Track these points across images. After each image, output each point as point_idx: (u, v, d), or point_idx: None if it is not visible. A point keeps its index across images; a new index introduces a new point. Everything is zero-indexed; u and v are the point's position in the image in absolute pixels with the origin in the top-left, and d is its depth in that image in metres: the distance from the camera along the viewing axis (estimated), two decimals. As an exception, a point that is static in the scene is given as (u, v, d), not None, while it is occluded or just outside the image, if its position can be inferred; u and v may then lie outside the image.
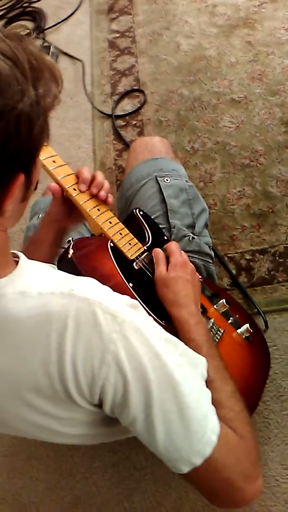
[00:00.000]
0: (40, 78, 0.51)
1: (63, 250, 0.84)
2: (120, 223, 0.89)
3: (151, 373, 0.56)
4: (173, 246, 0.88)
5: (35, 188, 0.59)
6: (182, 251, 0.89)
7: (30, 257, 0.88)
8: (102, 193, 0.86)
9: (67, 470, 1.16)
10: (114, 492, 1.12)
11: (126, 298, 0.60)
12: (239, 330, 0.96)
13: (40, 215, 1.21)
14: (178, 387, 0.57)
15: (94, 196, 0.87)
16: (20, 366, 0.55)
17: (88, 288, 0.58)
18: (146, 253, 0.90)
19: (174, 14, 1.93)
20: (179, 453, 0.58)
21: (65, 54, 1.95)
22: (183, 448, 0.58)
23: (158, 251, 0.87)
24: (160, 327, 0.62)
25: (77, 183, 0.86)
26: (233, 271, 1.31)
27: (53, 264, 0.92)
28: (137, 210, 0.97)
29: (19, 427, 0.63)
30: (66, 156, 1.67)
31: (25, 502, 1.14)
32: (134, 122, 1.67)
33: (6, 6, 2.17)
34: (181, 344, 0.64)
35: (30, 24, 2.10)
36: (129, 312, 0.57)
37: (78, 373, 0.54)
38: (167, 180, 1.07)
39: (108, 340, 0.54)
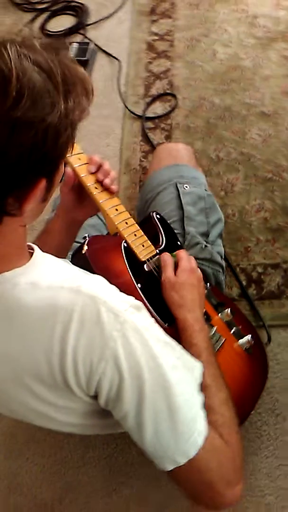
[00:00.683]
0: (71, 91, 0.53)
1: (78, 245, 0.88)
2: (136, 224, 0.92)
3: (146, 373, 0.59)
4: (182, 252, 0.91)
5: (61, 180, 0.62)
6: (191, 258, 0.92)
7: (42, 244, 0.92)
8: (107, 181, 0.88)
9: (61, 457, 1.20)
10: (104, 483, 1.15)
11: (131, 299, 0.63)
12: (240, 341, 0.98)
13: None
14: (170, 389, 0.60)
15: (106, 189, 0.89)
16: (25, 353, 0.59)
17: (95, 286, 0.61)
18: (157, 256, 0.92)
19: (214, 22, 1.95)
20: (165, 451, 0.61)
21: (104, 51, 1.98)
22: (169, 447, 0.61)
23: (167, 256, 0.90)
24: (161, 330, 0.65)
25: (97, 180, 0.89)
26: (244, 282, 1.33)
27: (65, 253, 0.96)
28: (154, 213, 1.00)
29: (19, 411, 0.67)
30: (94, 152, 1.68)
31: (19, 482, 1.19)
32: (163, 126, 1.70)
33: (50, -1, 2.22)
34: (179, 347, 0.66)
35: (72, 19, 2.14)
36: (131, 313, 0.60)
37: (77, 365, 0.58)
38: (186, 187, 1.10)
39: (109, 337, 0.57)
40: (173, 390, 0.60)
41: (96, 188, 0.88)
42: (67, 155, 0.87)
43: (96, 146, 1.72)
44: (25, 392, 0.62)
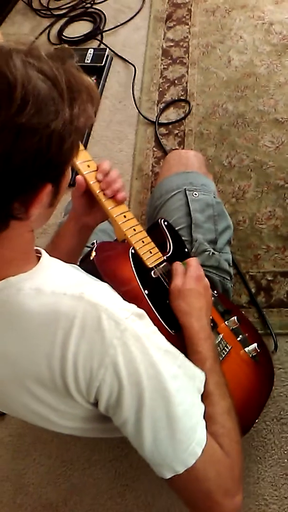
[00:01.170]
0: (76, 99, 0.54)
1: (88, 249, 0.89)
2: (144, 231, 0.93)
3: (145, 381, 0.59)
4: (193, 261, 0.92)
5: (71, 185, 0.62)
6: (200, 267, 0.92)
7: (54, 247, 0.93)
8: (108, 192, 0.89)
9: (67, 459, 1.21)
10: (109, 486, 1.16)
11: (133, 307, 0.64)
12: (246, 349, 0.99)
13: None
14: (170, 397, 0.61)
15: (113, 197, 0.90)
16: (26, 356, 0.60)
17: (98, 293, 0.62)
18: (165, 263, 0.93)
19: (230, 29, 1.95)
20: (163, 459, 0.62)
21: (120, 57, 2.00)
22: (168, 455, 0.61)
23: (178, 264, 0.91)
24: (163, 338, 0.66)
25: (104, 189, 0.90)
26: (253, 290, 1.33)
27: (77, 256, 0.97)
28: (162, 220, 1.01)
29: (20, 412, 0.68)
30: (107, 158, 1.72)
31: (25, 483, 1.20)
32: (176, 132, 1.71)
33: (69, 5, 2.24)
34: (181, 356, 0.67)
35: (89, 25, 2.17)
36: (133, 321, 0.61)
37: (78, 371, 0.59)
38: (195, 194, 1.10)
39: (109, 344, 0.58)
40: (172, 399, 0.61)
41: (104, 195, 0.89)
42: (77, 162, 0.89)
43: (110, 152, 1.74)
44: (27, 394, 0.63)
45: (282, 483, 1.08)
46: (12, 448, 1.26)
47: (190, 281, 0.87)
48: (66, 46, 2.04)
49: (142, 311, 0.65)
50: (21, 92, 0.49)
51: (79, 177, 0.90)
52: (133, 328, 0.60)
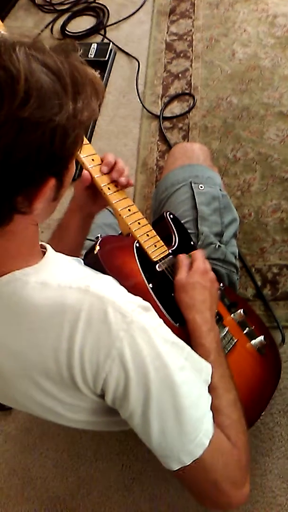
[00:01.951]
0: (80, 93, 0.54)
1: (91, 243, 0.89)
2: (149, 224, 0.93)
3: (152, 373, 0.59)
4: (198, 253, 0.91)
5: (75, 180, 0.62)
6: (205, 260, 0.92)
7: (58, 240, 0.93)
8: (122, 179, 0.90)
9: (74, 452, 1.22)
10: (116, 479, 1.17)
11: (139, 299, 0.64)
12: (253, 342, 0.98)
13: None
14: (176, 389, 0.61)
15: (117, 186, 0.90)
16: (33, 350, 0.60)
17: (104, 286, 0.63)
18: (170, 256, 0.93)
19: (234, 22, 1.94)
20: (171, 451, 0.62)
21: (123, 51, 1.99)
22: (175, 446, 0.62)
23: (183, 257, 0.91)
24: (169, 331, 0.66)
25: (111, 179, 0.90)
26: (259, 283, 1.33)
27: (80, 249, 0.97)
28: (168, 213, 1.01)
29: (27, 405, 0.68)
30: (111, 152, 1.71)
31: (32, 476, 1.21)
32: (181, 125, 1.70)
33: (72, 0, 2.24)
34: (187, 348, 0.67)
35: (92, 20, 2.16)
36: (139, 313, 0.61)
37: (84, 363, 0.59)
38: (201, 187, 1.10)
39: (116, 337, 0.58)
40: (179, 390, 0.61)
41: (109, 189, 0.89)
42: (82, 156, 0.89)
43: (114, 146, 1.74)
44: (34, 387, 0.63)
45: (290, 476, 1.08)
46: (19, 442, 1.26)
47: (195, 275, 0.87)
48: (70, 40, 2.04)
49: (148, 304, 0.65)
50: (24, 85, 0.49)
51: (84, 171, 0.90)
52: (140, 321, 0.60)
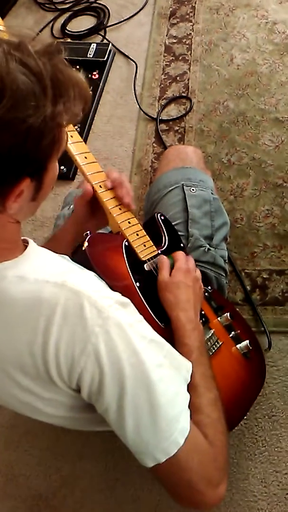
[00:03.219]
0: (62, 95, 0.54)
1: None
2: (139, 224, 0.93)
3: (127, 369, 0.60)
4: (179, 254, 0.92)
5: (73, 179, 0.61)
6: (189, 259, 0.92)
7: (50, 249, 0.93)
8: (127, 199, 0.91)
9: (58, 451, 1.22)
10: (99, 479, 1.16)
11: (117, 295, 0.64)
12: (238, 345, 0.99)
13: (71, 206, 1.27)
14: (152, 386, 0.61)
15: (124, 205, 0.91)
16: (9, 344, 0.61)
17: (81, 281, 0.63)
18: (158, 256, 0.93)
19: (234, 27, 1.95)
20: (145, 447, 0.62)
21: (122, 53, 2.00)
22: (149, 443, 0.62)
23: (163, 257, 0.91)
24: (149, 327, 0.66)
25: (104, 180, 0.90)
26: (248, 287, 1.33)
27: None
28: (159, 214, 1.01)
29: (9, 401, 0.68)
30: (107, 152, 1.73)
31: (15, 473, 1.21)
32: (177, 128, 1.71)
33: (73, -1, 2.24)
34: (167, 346, 0.67)
35: (93, 20, 2.16)
36: (116, 309, 0.61)
37: (59, 357, 0.59)
38: (193, 190, 1.10)
39: (91, 332, 0.59)
40: (155, 388, 0.61)
41: (100, 187, 0.89)
42: (81, 164, 0.89)
43: (110, 147, 1.74)
44: (12, 383, 0.63)
45: (272, 480, 1.08)
46: (3, 439, 1.26)
47: (178, 274, 0.87)
48: (57, 41, 2.03)
49: (126, 300, 0.65)
50: None
51: (88, 185, 0.90)
52: (116, 317, 0.60)
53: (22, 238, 0.68)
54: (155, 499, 1.11)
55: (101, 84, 1.89)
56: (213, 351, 0.93)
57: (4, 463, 1.22)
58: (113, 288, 0.73)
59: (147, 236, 0.93)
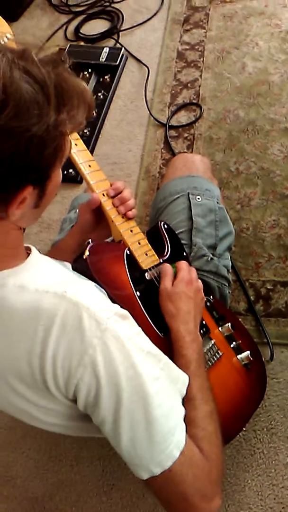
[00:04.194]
0: (66, 104, 0.54)
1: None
2: (141, 233, 0.93)
3: (124, 382, 0.60)
4: (182, 264, 0.92)
5: (81, 183, 0.61)
6: (192, 269, 0.92)
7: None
8: (121, 208, 0.91)
9: (56, 454, 1.22)
10: (96, 484, 1.17)
11: (116, 307, 0.64)
12: (239, 356, 0.98)
13: (77, 210, 1.27)
14: (148, 399, 0.61)
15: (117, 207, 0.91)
16: (7, 352, 0.61)
17: (81, 292, 0.63)
18: (160, 266, 0.93)
19: (247, 35, 1.95)
20: (140, 460, 0.62)
21: (134, 57, 2.00)
22: (144, 456, 0.62)
23: (166, 266, 0.91)
24: (147, 339, 0.66)
25: (107, 189, 0.91)
26: (252, 297, 1.33)
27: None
28: (162, 223, 1.01)
29: (7, 408, 0.69)
30: (115, 157, 1.73)
31: (13, 475, 1.21)
32: (186, 135, 1.71)
33: (88, 2, 2.25)
34: (164, 358, 0.67)
35: (106, 24, 2.17)
36: (115, 321, 0.61)
37: (56, 368, 0.59)
38: (198, 198, 1.10)
39: (89, 344, 0.59)
40: (151, 401, 0.61)
41: (103, 195, 0.90)
42: (85, 173, 0.89)
43: (119, 151, 1.75)
44: (10, 390, 0.64)
45: (268, 493, 1.08)
46: (2, 440, 1.26)
47: (180, 284, 0.87)
48: (61, 48, 2.03)
49: (125, 312, 0.65)
50: (1, 93, 0.49)
51: (95, 195, 0.91)
52: (114, 329, 0.60)
53: (25, 245, 0.68)
54: (150, 506, 1.11)
55: (112, 88, 1.89)
56: (213, 361, 0.93)
57: (1, 464, 1.23)
58: (113, 296, 0.73)
59: (149, 245, 0.93)
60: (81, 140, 0.91)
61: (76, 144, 0.89)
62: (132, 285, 0.84)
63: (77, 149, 0.89)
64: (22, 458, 1.23)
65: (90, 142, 1.74)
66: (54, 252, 0.97)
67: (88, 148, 1.70)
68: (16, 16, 2.27)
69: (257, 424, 1.15)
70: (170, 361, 0.69)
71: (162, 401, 0.63)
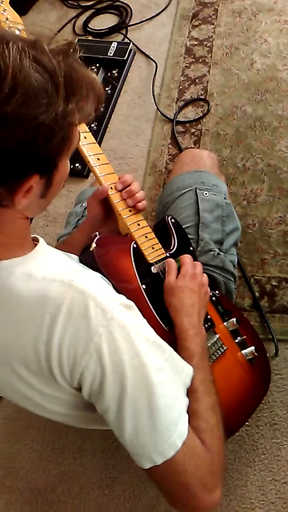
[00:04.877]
0: (75, 94, 0.54)
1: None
2: (148, 227, 0.93)
3: (129, 371, 0.60)
4: (186, 258, 0.92)
5: (87, 177, 0.61)
6: (197, 264, 0.92)
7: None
8: (129, 201, 0.91)
9: (59, 446, 1.23)
10: (98, 476, 1.17)
11: (122, 297, 0.65)
12: (243, 351, 0.99)
13: (83, 204, 1.27)
14: (152, 389, 0.61)
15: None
16: (14, 339, 0.61)
17: (88, 281, 0.63)
18: (166, 260, 0.93)
19: (255, 31, 1.94)
20: (143, 449, 0.63)
21: (142, 52, 2.00)
22: (147, 445, 0.62)
23: (171, 261, 0.91)
24: (152, 330, 0.66)
25: (115, 182, 0.91)
26: (257, 294, 1.33)
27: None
28: (169, 217, 1.01)
29: (12, 396, 0.69)
30: (122, 151, 1.73)
31: (16, 466, 1.22)
32: (193, 131, 1.71)
33: (97, -3, 2.24)
34: (169, 349, 0.67)
35: (115, 18, 2.17)
36: (120, 311, 0.62)
37: (62, 355, 0.60)
38: (205, 194, 1.10)
39: (95, 332, 0.59)
40: (155, 390, 0.61)
41: (111, 188, 0.90)
42: (94, 166, 0.89)
43: (125, 146, 1.75)
44: (16, 377, 0.64)
45: (270, 488, 1.08)
46: (6, 431, 1.27)
47: (184, 278, 0.87)
48: (73, 40, 2.03)
49: (131, 302, 0.65)
50: (11, 81, 0.49)
51: (104, 186, 0.91)
52: (120, 318, 0.61)
53: (32, 236, 0.68)
54: (152, 499, 1.11)
55: (120, 83, 1.89)
56: (218, 355, 0.93)
57: (5, 455, 1.24)
58: (119, 289, 0.73)
59: (156, 238, 0.93)
60: (90, 133, 0.91)
61: (85, 137, 0.89)
62: (138, 278, 0.84)
63: (86, 142, 0.89)
64: (26, 450, 1.24)
65: (97, 136, 1.74)
66: (63, 246, 0.97)
67: (95, 143, 1.71)
68: (24, 10, 2.27)
69: (260, 419, 1.15)
70: (175, 352, 0.69)
71: (166, 391, 0.63)
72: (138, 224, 0.91)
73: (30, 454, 1.23)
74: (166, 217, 1.01)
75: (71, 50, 0.56)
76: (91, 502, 1.15)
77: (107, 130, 1.79)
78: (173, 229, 1.00)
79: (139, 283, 0.84)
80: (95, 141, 0.91)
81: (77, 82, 0.55)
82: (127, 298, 0.66)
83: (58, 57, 0.53)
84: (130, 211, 0.91)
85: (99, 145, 1.72)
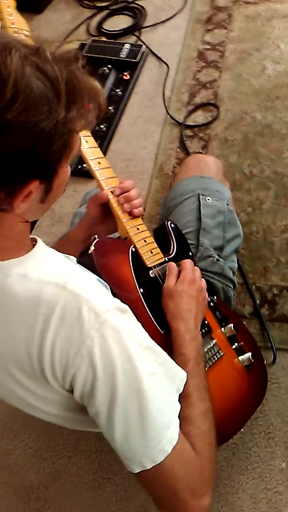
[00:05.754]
0: (76, 102, 0.55)
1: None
2: (148, 231, 0.94)
3: (120, 375, 0.60)
4: (187, 263, 0.92)
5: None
6: (196, 269, 0.92)
7: (59, 248, 0.95)
8: (126, 206, 0.92)
9: (54, 445, 1.23)
10: (91, 476, 1.18)
11: (116, 301, 0.65)
12: (240, 357, 0.99)
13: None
14: (143, 393, 0.61)
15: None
16: (7, 339, 0.62)
17: (82, 284, 0.64)
18: (165, 264, 0.94)
19: (268, 37, 1.93)
20: (133, 454, 0.63)
21: (154, 55, 2.01)
22: (137, 450, 0.63)
23: (172, 265, 0.92)
24: (146, 334, 0.66)
25: (115, 186, 0.92)
26: (257, 301, 1.33)
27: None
28: (169, 222, 1.02)
29: (4, 394, 0.70)
30: (130, 153, 1.74)
31: (11, 462, 1.23)
32: (201, 135, 1.71)
33: (113, -2, 2.25)
34: (163, 354, 0.68)
35: (129, 20, 2.17)
36: (114, 314, 0.62)
37: (54, 358, 0.60)
38: (208, 199, 1.10)
39: (87, 335, 0.60)
40: (146, 395, 0.62)
41: (112, 192, 0.90)
42: (94, 169, 0.90)
43: (134, 148, 1.75)
44: (9, 377, 0.65)
45: (262, 497, 1.08)
46: (2, 427, 1.28)
47: (182, 283, 0.88)
48: (76, 49, 2.04)
49: (125, 306, 0.65)
50: (12, 88, 0.50)
51: (104, 192, 0.92)
52: (113, 322, 0.61)
53: (31, 237, 0.69)
54: (144, 501, 1.11)
55: (131, 85, 1.90)
56: (214, 361, 0.93)
57: (0, 450, 1.25)
58: (116, 292, 0.73)
59: (154, 243, 0.94)
60: (92, 137, 0.92)
61: (87, 141, 0.90)
62: (136, 282, 0.84)
63: (87, 146, 0.90)
64: (21, 446, 1.25)
65: (106, 137, 1.74)
66: (62, 241, 0.98)
67: (104, 144, 1.71)
68: (40, 9, 2.29)
69: (255, 427, 1.15)
70: (169, 357, 0.69)
71: (158, 396, 0.63)
72: (138, 228, 0.91)
73: (25, 451, 1.24)
74: (166, 222, 1.02)
75: (74, 58, 0.56)
76: (83, 501, 1.15)
77: (116, 132, 1.80)
78: (172, 234, 1.00)
79: (137, 286, 0.84)
80: (96, 145, 0.92)
81: (79, 89, 0.55)
82: (123, 302, 0.67)
83: (60, 65, 0.54)
84: (129, 215, 0.91)
85: (108, 146, 1.74)
